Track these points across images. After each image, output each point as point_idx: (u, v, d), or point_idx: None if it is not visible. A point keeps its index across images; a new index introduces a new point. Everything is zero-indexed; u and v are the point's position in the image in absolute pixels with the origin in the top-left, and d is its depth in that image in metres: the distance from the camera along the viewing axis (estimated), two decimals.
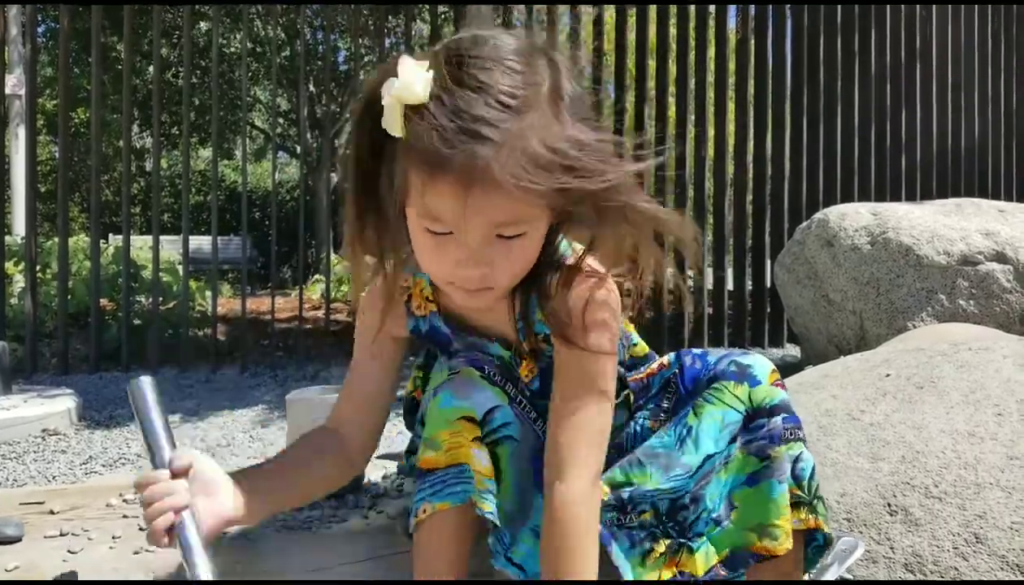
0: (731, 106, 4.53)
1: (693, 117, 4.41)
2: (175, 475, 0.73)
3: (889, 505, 1.29)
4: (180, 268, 4.79)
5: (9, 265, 4.31)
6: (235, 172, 11.92)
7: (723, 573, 0.93)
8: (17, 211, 7.15)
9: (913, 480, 1.30)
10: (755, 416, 0.94)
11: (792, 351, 4.00)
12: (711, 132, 4.43)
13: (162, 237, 4.22)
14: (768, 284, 4.31)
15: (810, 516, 0.94)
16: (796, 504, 0.94)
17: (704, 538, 0.94)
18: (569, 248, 0.90)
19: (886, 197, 4.62)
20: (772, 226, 4.50)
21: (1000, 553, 1.15)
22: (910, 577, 1.18)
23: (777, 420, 0.94)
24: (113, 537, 1.06)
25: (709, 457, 0.94)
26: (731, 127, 4.54)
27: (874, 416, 1.49)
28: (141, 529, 1.10)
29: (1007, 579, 0.99)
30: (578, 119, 0.78)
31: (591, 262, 0.88)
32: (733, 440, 0.94)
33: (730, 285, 4.52)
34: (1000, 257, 2.49)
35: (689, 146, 4.37)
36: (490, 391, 0.91)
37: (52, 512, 1.18)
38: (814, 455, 1.43)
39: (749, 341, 4.49)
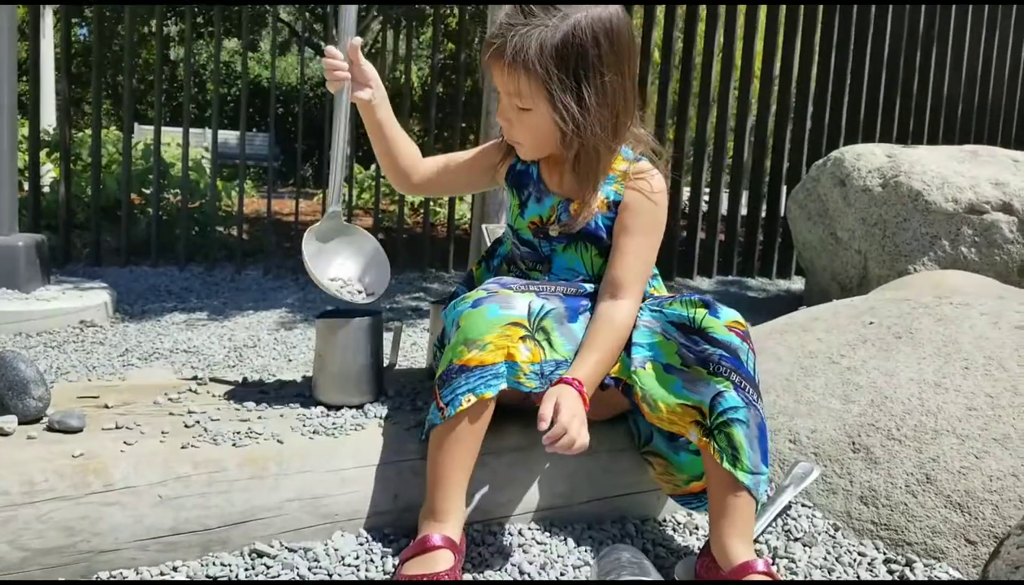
0: (762, 19, 4.44)
1: (721, 40, 4.33)
2: (348, 58, 1.21)
3: (853, 443, 1.42)
4: (206, 164, 4.88)
5: (41, 155, 4.42)
6: (258, 65, 11.73)
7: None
8: (44, 99, 7.19)
9: (878, 422, 1.43)
10: (695, 332, 1.09)
11: (799, 284, 4.08)
12: (738, 52, 4.36)
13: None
14: (782, 215, 4.36)
15: (711, 444, 1.06)
16: (708, 430, 1.07)
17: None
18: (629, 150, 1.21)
19: (908, 137, 4.57)
20: (791, 159, 4.50)
21: (946, 493, 1.28)
22: (863, 508, 1.33)
23: (714, 351, 1.06)
24: (162, 432, 1.21)
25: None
26: (761, 45, 4.46)
27: (852, 361, 1.60)
28: (186, 426, 1.26)
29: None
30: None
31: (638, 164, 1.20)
32: (659, 309, 1.16)
33: (744, 213, 4.56)
34: (1006, 208, 2.53)
35: (716, 68, 4.32)
36: (522, 298, 1.14)
37: (107, 406, 1.33)
38: (793, 394, 1.55)
39: (758, 271, 4.57)
